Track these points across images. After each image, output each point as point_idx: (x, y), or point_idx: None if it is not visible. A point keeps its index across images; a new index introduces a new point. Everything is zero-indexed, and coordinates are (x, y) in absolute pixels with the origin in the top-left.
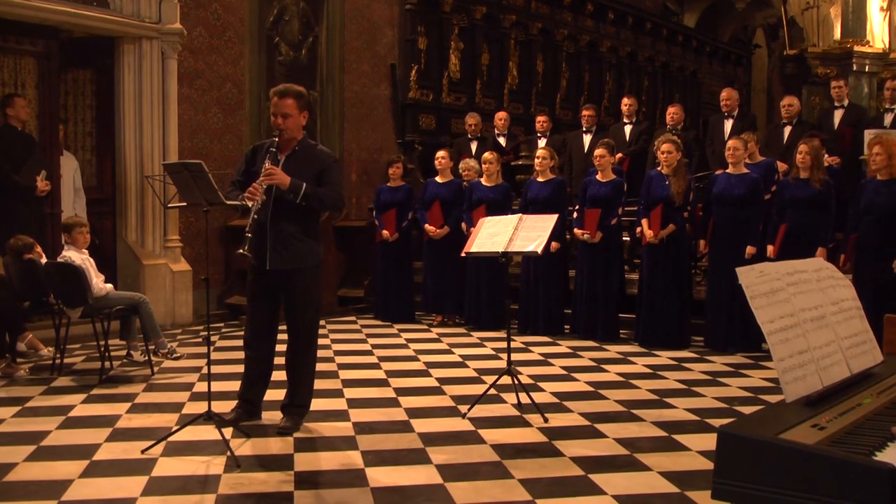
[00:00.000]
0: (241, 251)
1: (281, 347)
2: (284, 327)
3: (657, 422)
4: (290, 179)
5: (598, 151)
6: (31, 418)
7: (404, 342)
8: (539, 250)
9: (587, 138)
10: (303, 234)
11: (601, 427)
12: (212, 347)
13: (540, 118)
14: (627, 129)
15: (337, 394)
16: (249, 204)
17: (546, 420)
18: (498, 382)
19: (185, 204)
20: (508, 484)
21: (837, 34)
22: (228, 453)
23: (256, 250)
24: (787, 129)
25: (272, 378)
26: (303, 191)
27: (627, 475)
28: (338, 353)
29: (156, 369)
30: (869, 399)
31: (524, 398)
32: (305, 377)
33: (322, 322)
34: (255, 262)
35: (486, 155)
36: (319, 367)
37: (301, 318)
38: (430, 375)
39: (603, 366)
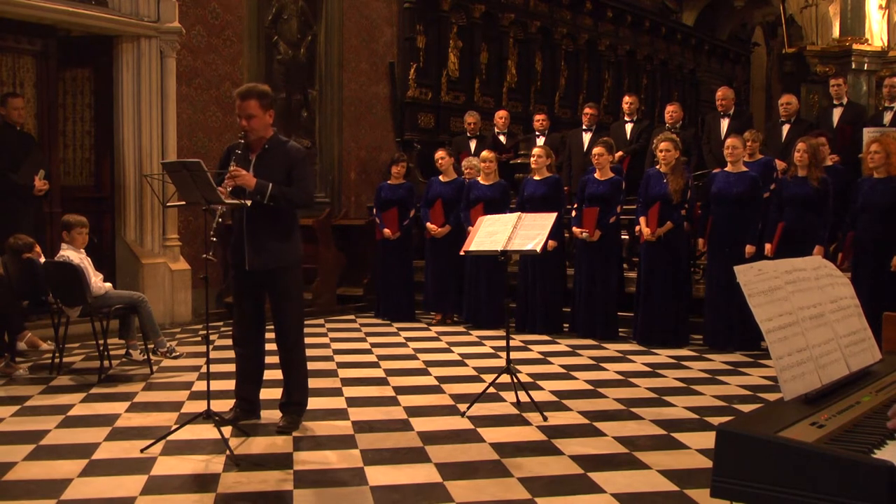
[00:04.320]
0: (205, 256)
1: (273, 346)
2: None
3: (656, 420)
4: (256, 181)
5: (596, 150)
6: (30, 417)
7: (403, 341)
8: (538, 249)
9: (587, 136)
10: (279, 234)
11: (600, 425)
12: (211, 346)
13: (538, 117)
14: (628, 127)
15: (336, 392)
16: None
17: (545, 418)
18: (497, 381)
19: (183, 203)
20: (508, 482)
21: (836, 32)
22: (227, 452)
23: (235, 251)
24: (786, 128)
25: (269, 377)
26: (269, 191)
27: (627, 473)
28: (337, 351)
29: (155, 368)
30: (868, 397)
31: (523, 396)
32: (298, 374)
33: (321, 321)
34: (236, 263)
35: (484, 153)
36: (319, 365)
37: (286, 316)
38: (429, 374)
39: (602, 364)
